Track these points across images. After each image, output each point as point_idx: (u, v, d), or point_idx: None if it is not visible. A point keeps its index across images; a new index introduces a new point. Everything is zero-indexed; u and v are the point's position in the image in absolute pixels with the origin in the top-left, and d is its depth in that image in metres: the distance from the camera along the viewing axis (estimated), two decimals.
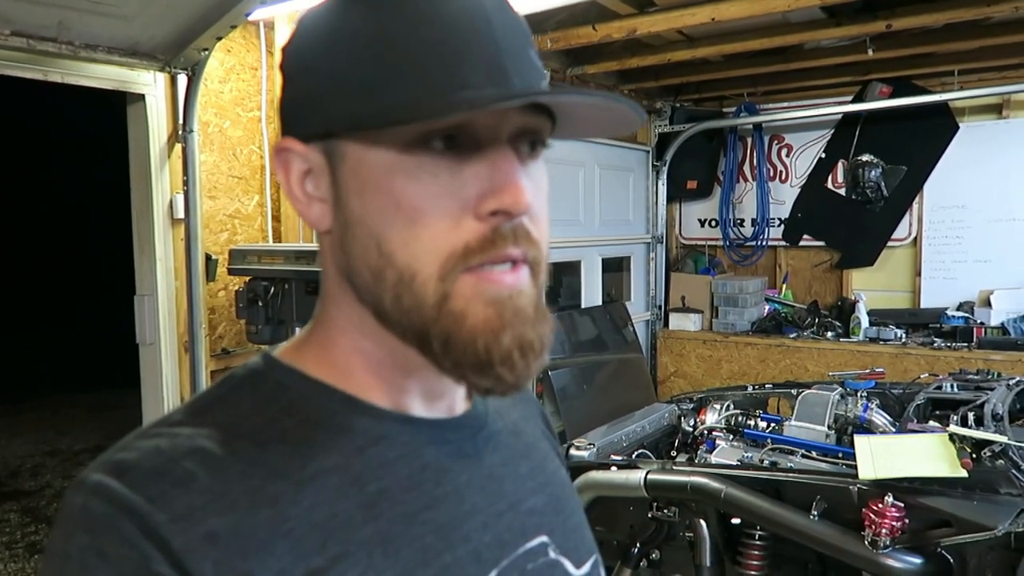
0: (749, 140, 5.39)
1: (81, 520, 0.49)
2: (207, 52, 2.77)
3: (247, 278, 2.95)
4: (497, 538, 0.61)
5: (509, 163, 0.54)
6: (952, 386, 2.70)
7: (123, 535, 0.48)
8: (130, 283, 3.04)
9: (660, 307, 5.49)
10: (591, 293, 4.88)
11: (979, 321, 4.47)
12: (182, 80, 2.91)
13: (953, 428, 2.12)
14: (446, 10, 0.53)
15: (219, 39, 2.68)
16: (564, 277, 4.88)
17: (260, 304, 2.85)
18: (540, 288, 0.58)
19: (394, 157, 0.53)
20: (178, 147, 2.96)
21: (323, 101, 0.55)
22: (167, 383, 2.98)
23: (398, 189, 0.53)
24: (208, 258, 3.08)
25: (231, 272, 3.02)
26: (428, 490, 0.58)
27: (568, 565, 0.65)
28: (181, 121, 2.93)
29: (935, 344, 4.38)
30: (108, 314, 5.20)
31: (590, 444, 2.61)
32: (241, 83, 3.23)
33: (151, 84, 2.88)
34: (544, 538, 0.64)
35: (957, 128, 4.67)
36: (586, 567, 0.67)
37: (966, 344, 4.32)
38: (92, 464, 0.52)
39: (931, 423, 2.43)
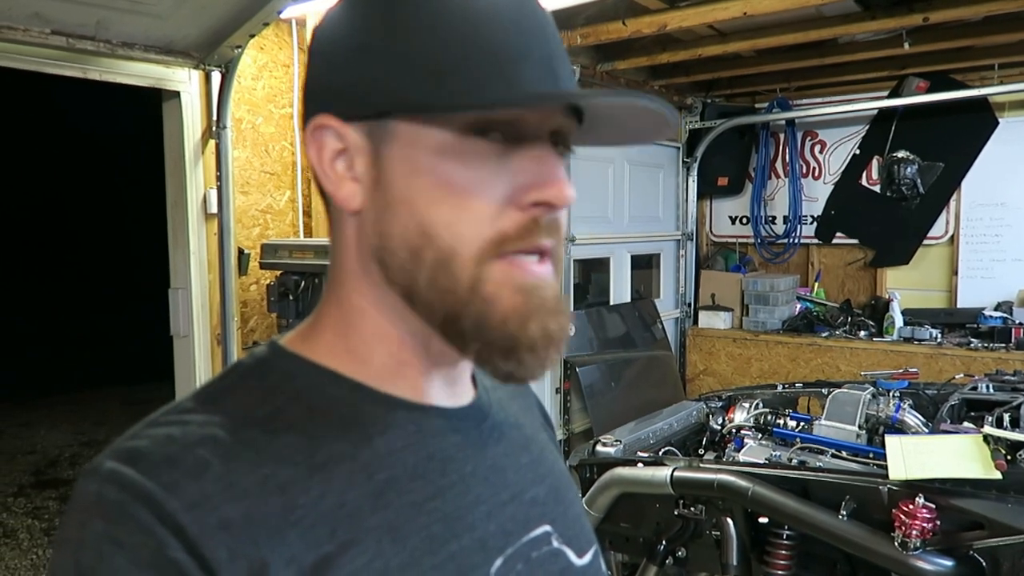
0: (782, 136, 5.33)
1: (96, 507, 0.49)
2: (240, 49, 2.81)
3: (278, 272, 2.99)
4: (501, 527, 0.61)
5: (553, 159, 0.57)
6: (988, 387, 2.64)
7: (139, 522, 0.48)
8: (164, 278, 3.10)
9: (690, 305, 5.45)
10: (620, 290, 4.86)
11: (1018, 321, 4.37)
12: (216, 77, 2.95)
13: (988, 429, 2.08)
14: (507, 9, 0.56)
15: (252, 37, 2.72)
16: (593, 274, 4.88)
17: (291, 298, 2.88)
18: (559, 281, 0.60)
19: (449, 140, 0.55)
20: (212, 143, 3.01)
21: (379, 82, 0.56)
22: (200, 375, 3.03)
23: (450, 171, 0.55)
24: (240, 252, 3.13)
25: (263, 266, 3.07)
26: (434, 479, 0.59)
27: (570, 554, 0.66)
28: (215, 118, 2.98)
29: (972, 344, 4.29)
30: (142, 308, 5.32)
31: (617, 440, 2.60)
32: (273, 80, 3.27)
33: (186, 81, 2.92)
34: (547, 527, 0.65)
35: (997, 123, 4.56)
36: (587, 556, 0.68)
37: (1004, 345, 4.22)
38: (104, 452, 0.53)
39: (965, 424, 2.38)
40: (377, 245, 0.58)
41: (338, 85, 0.58)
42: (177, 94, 2.93)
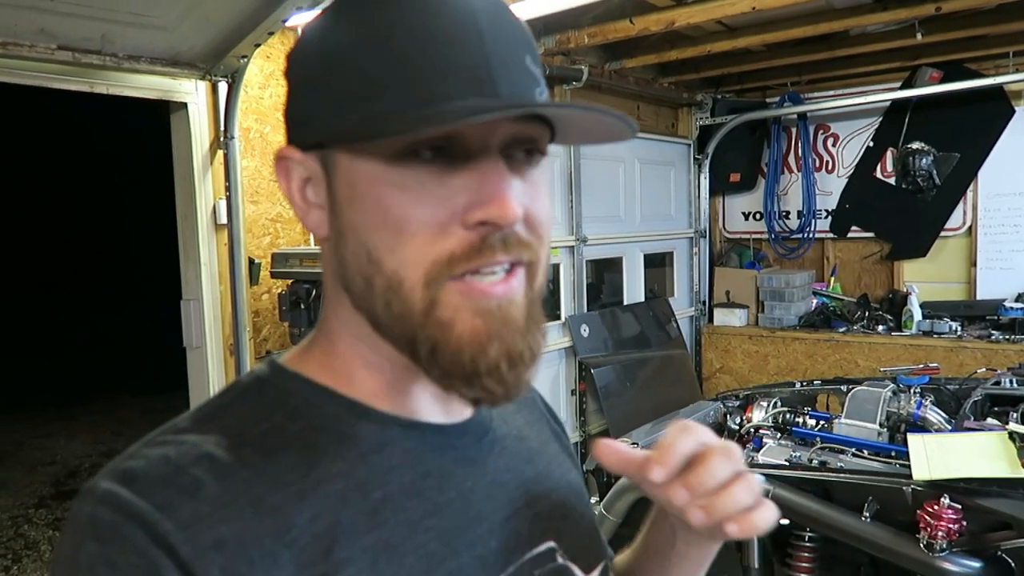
0: (794, 130, 5.28)
1: (90, 529, 0.50)
2: (246, 59, 2.80)
3: (290, 281, 2.98)
4: (503, 544, 0.61)
5: (498, 174, 0.53)
6: (1011, 381, 2.60)
7: (132, 543, 0.48)
8: (179, 287, 3.10)
9: (704, 302, 5.41)
10: (633, 289, 4.84)
11: None
12: (223, 87, 2.95)
13: (1013, 426, 2.05)
14: (433, 21, 0.53)
15: (257, 46, 2.71)
16: (606, 274, 4.85)
17: (302, 307, 2.87)
18: (535, 292, 0.58)
19: (381, 167, 0.54)
20: (220, 153, 3.00)
21: (317, 112, 0.56)
22: (214, 386, 3.03)
23: (385, 198, 0.54)
24: (251, 262, 3.13)
25: (274, 275, 3.06)
26: (431, 497, 0.58)
27: (576, 571, 0.65)
28: (223, 128, 2.97)
29: (992, 337, 4.24)
30: (158, 317, 5.36)
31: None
32: (281, 88, 3.23)
33: (193, 92, 2.92)
34: (551, 543, 0.64)
35: (1013, 112, 4.50)
36: (595, 573, 0.67)
37: None
38: (100, 472, 0.53)
39: (989, 420, 2.34)
40: (340, 272, 0.58)
41: (295, 116, 0.59)
42: (184, 105, 2.93)
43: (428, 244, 0.53)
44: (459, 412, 0.64)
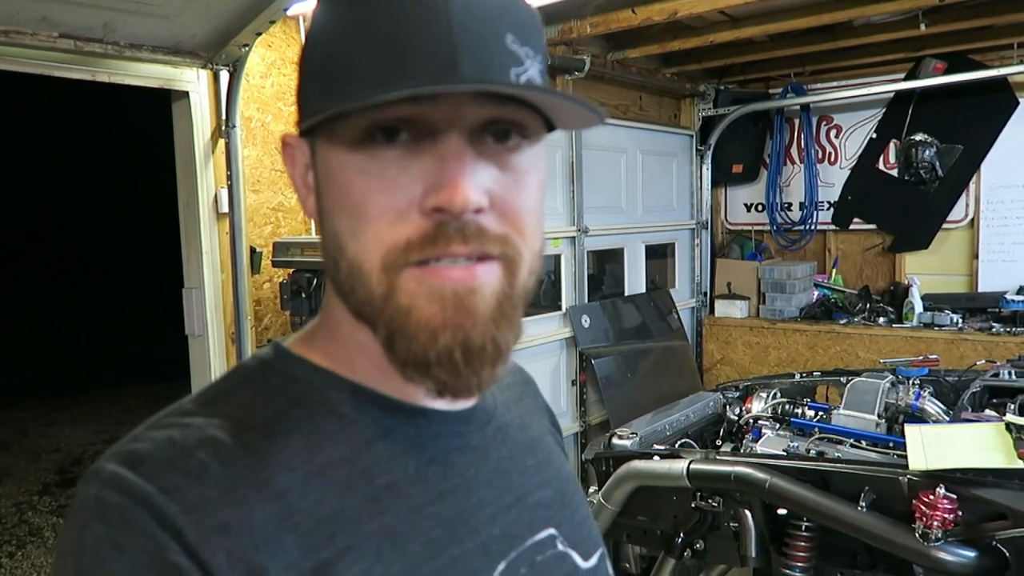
0: (796, 121, 5.26)
1: (95, 511, 0.50)
2: (248, 48, 2.80)
3: (291, 270, 2.99)
4: (505, 531, 0.61)
5: (456, 158, 0.52)
6: (1010, 373, 2.60)
7: (138, 526, 0.48)
8: (181, 277, 3.11)
9: (705, 294, 5.41)
10: (635, 281, 4.84)
11: None
12: (224, 76, 2.95)
13: (1010, 417, 2.05)
14: (394, 5, 0.52)
15: (259, 35, 2.71)
16: (607, 264, 4.85)
17: (303, 296, 2.88)
18: (515, 289, 0.56)
19: (347, 151, 0.54)
20: (222, 142, 3.01)
21: (307, 97, 0.57)
22: (215, 374, 3.04)
23: (348, 183, 0.54)
24: (253, 251, 3.13)
25: (275, 264, 3.07)
26: (435, 484, 0.59)
27: (576, 557, 0.66)
28: (224, 117, 2.97)
29: (993, 329, 4.24)
30: (165, 306, 5.37)
31: (633, 433, 2.59)
32: (282, 77, 3.26)
33: (194, 81, 2.92)
34: (552, 531, 0.65)
35: (1017, 104, 4.48)
36: (593, 560, 0.68)
37: None
38: (105, 455, 0.53)
39: (987, 412, 2.35)
40: (323, 256, 0.59)
41: (298, 102, 0.59)
42: (186, 94, 2.93)
43: (386, 230, 0.53)
44: (463, 399, 0.63)
